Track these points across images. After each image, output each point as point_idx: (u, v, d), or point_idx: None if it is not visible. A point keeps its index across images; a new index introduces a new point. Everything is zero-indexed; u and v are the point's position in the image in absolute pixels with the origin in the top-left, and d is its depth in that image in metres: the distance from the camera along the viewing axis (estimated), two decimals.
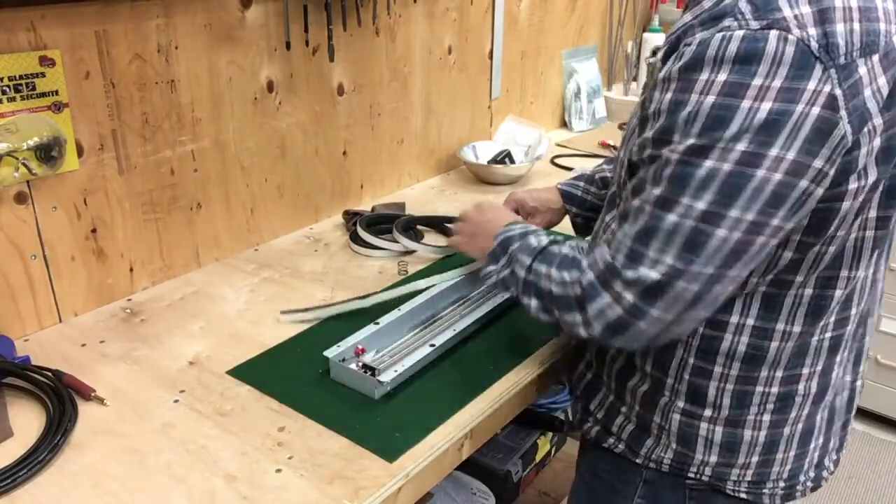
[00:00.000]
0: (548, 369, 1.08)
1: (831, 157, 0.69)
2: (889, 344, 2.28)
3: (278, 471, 0.85)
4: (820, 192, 0.71)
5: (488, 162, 1.85)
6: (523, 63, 2.09)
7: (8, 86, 1.02)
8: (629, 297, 0.77)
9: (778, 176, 0.69)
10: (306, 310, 1.17)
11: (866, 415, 2.42)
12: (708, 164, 0.70)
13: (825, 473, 0.93)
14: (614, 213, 0.89)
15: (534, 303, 0.90)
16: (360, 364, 1.00)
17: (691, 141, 0.71)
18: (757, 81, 0.67)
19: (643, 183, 0.77)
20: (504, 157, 1.86)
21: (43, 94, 1.06)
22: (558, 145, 2.13)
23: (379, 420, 0.94)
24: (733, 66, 0.68)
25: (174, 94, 1.23)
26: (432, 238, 1.48)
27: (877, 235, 0.79)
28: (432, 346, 1.06)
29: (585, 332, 0.83)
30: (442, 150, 1.87)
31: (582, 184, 1.20)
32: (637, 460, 0.94)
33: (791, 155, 0.68)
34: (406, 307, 1.13)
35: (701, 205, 0.71)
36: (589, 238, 1.04)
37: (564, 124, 2.34)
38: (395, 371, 1.00)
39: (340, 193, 1.61)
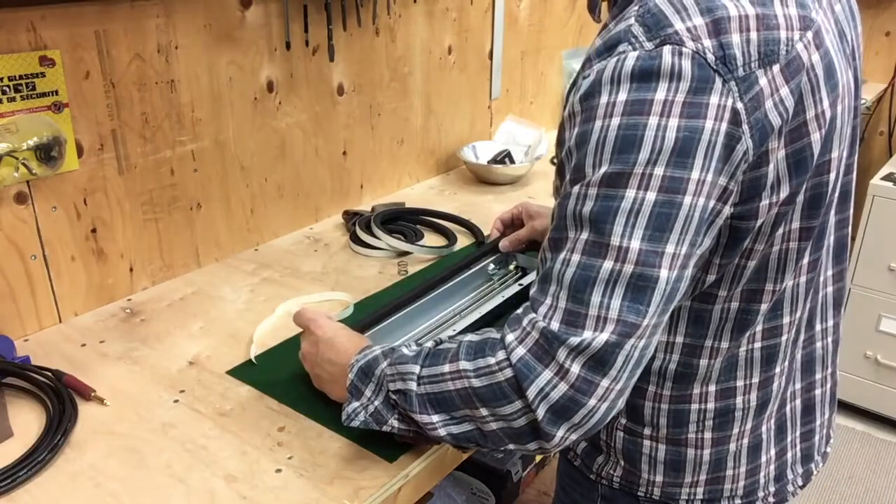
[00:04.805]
0: None
1: (734, 174, 0.65)
2: (889, 344, 2.28)
3: (278, 471, 0.85)
4: (727, 210, 0.67)
5: (488, 162, 1.85)
6: (523, 63, 2.09)
7: (8, 86, 1.02)
8: (575, 368, 0.65)
9: (702, 200, 0.64)
10: None
11: (866, 415, 2.42)
12: (630, 193, 0.63)
13: (790, 487, 0.90)
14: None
15: (437, 418, 0.74)
16: None
17: (605, 168, 0.64)
18: (659, 96, 0.63)
19: (562, 231, 0.68)
20: (504, 157, 1.86)
21: (43, 94, 1.06)
22: None
23: None
24: (632, 85, 0.64)
25: (174, 94, 1.23)
26: (433, 237, 1.48)
27: (800, 247, 0.75)
28: None
29: (527, 422, 0.68)
30: (442, 150, 1.87)
31: None
32: (591, 476, 0.92)
33: (710, 177, 0.64)
34: (406, 307, 1.13)
35: (635, 243, 0.63)
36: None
37: None
38: None
39: (340, 193, 1.61)
